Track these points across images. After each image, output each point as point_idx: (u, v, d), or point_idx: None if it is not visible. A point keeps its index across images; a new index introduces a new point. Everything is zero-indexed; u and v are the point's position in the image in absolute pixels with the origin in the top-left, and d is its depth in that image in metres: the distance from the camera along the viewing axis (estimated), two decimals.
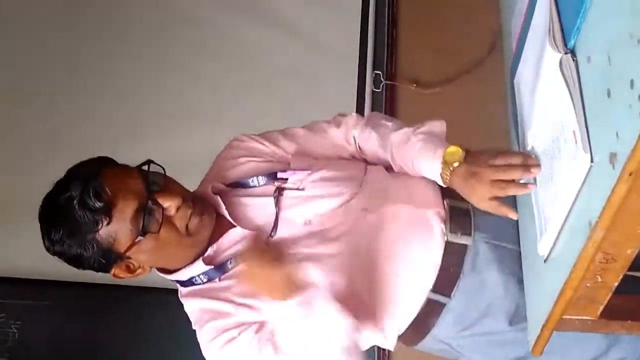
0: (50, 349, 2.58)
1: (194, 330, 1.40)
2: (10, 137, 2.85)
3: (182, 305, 1.45)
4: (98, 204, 1.26)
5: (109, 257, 1.33)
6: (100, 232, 1.28)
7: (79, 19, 3.11)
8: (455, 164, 1.30)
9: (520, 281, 1.39)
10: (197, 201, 1.37)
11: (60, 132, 2.88)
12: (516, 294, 1.40)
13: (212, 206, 1.41)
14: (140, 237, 1.30)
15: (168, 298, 2.38)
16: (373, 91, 2.94)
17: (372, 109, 2.88)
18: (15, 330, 2.58)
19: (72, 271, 2.60)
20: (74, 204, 1.26)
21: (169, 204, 1.31)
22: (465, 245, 1.40)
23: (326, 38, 3.05)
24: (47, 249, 1.34)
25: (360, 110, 2.87)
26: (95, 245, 1.29)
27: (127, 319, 2.57)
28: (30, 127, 2.90)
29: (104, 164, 1.36)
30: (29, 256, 2.57)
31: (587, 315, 1.20)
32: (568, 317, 1.19)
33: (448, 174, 1.31)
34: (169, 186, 1.35)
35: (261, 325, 1.32)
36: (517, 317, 1.40)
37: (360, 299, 1.38)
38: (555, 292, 1.14)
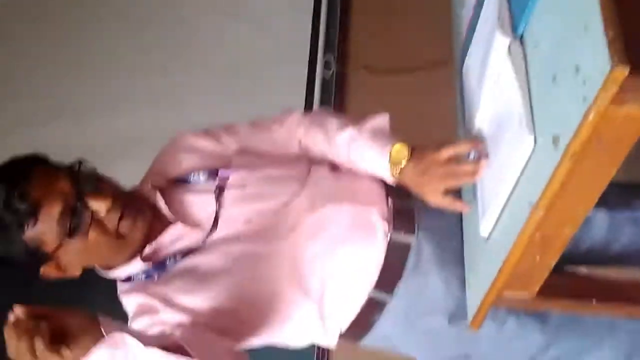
0: None
1: None
2: None
3: None
4: (23, 206, 1.22)
5: (36, 258, 1.29)
6: (27, 233, 1.24)
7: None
8: (403, 162, 1.31)
9: (461, 281, 1.40)
10: (130, 202, 1.34)
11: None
12: (457, 293, 1.40)
13: (147, 207, 1.38)
14: (67, 239, 1.26)
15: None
16: (323, 76, 2.93)
17: (322, 95, 2.88)
18: None
19: None
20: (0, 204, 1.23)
21: (98, 206, 1.27)
22: (409, 244, 1.40)
23: (280, 23, 3.03)
24: None
25: (310, 93, 2.87)
26: (22, 246, 1.26)
27: (71, 291, 2.52)
28: None
29: (33, 163, 1.31)
30: None
31: (525, 293, 1.22)
32: (507, 293, 1.21)
33: (397, 172, 1.32)
34: (99, 187, 1.30)
35: (176, 327, 1.30)
36: (457, 315, 1.40)
37: (304, 298, 1.37)
38: (495, 269, 1.17)
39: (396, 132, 1.40)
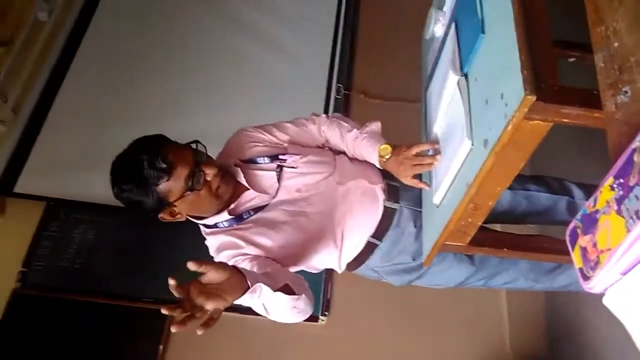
0: (114, 251, 2.55)
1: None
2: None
3: None
4: (163, 166, 1.21)
5: (162, 204, 1.27)
6: (160, 186, 1.23)
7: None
8: (387, 157, 1.33)
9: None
10: (224, 171, 1.33)
11: (131, 109, 2.82)
12: (420, 241, 1.41)
13: (233, 176, 1.37)
14: (188, 192, 1.25)
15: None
16: (336, 97, 2.91)
17: (334, 110, 2.86)
18: (92, 237, 2.55)
19: None
20: (144, 164, 1.21)
21: (209, 172, 1.27)
22: (395, 209, 1.41)
23: (308, 58, 3.00)
24: (116, 196, 1.28)
25: (326, 108, 2.86)
26: (155, 194, 1.24)
27: (167, 235, 2.54)
28: (108, 106, 2.85)
29: (163, 140, 1.29)
30: (103, 188, 2.57)
31: (460, 242, 1.22)
32: (449, 242, 1.22)
33: (383, 162, 1.34)
34: (209, 160, 1.30)
35: (255, 257, 1.29)
36: (418, 254, 1.42)
37: (331, 239, 1.38)
38: (442, 226, 1.17)
39: (383, 135, 1.42)
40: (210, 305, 0.97)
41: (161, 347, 2.34)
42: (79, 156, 2.66)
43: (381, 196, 1.41)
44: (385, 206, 1.40)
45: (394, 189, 1.43)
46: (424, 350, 2.42)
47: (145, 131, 1.35)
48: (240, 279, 1.05)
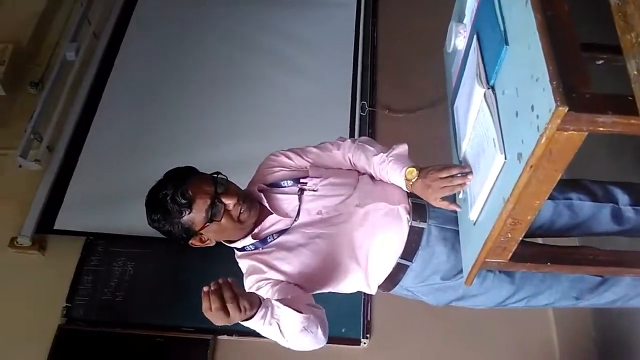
0: (153, 281, 2.59)
1: None
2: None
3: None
4: (183, 201, 1.28)
5: (188, 233, 1.33)
6: (183, 218, 1.30)
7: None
8: (413, 180, 1.31)
9: (457, 251, 1.38)
10: (247, 199, 1.36)
11: (165, 145, 2.88)
12: (453, 260, 1.39)
13: (257, 201, 1.40)
14: (208, 223, 1.31)
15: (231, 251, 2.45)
16: (360, 115, 2.92)
17: (360, 127, 2.86)
18: (131, 269, 2.61)
19: None
20: (167, 199, 1.29)
21: (229, 202, 1.31)
22: (422, 228, 1.39)
23: (330, 79, 3.03)
24: (149, 224, 1.36)
25: (352, 127, 2.86)
26: (180, 226, 1.31)
27: (203, 264, 2.57)
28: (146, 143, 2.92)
29: (189, 172, 1.36)
30: (139, 220, 2.62)
31: (501, 259, 1.19)
32: (489, 259, 1.19)
33: (410, 185, 1.32)
34: (230, 189, 1.34)
35: (277, 282, 1.33)
36: (449, 275, 1.41)
37: (354, 263, 1.38)
38: (481, 243, 1.15)
39: (411, 157, 1.40)
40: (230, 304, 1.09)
41: None
42: (114, 190, 2.73)
43: (405, 216, 1.40)
44: (412, 226, 1.39)
45: (420, 207, 1.42)
46: None
47: (176, 163, 1.41)
48: (254, 297, 1.18)
